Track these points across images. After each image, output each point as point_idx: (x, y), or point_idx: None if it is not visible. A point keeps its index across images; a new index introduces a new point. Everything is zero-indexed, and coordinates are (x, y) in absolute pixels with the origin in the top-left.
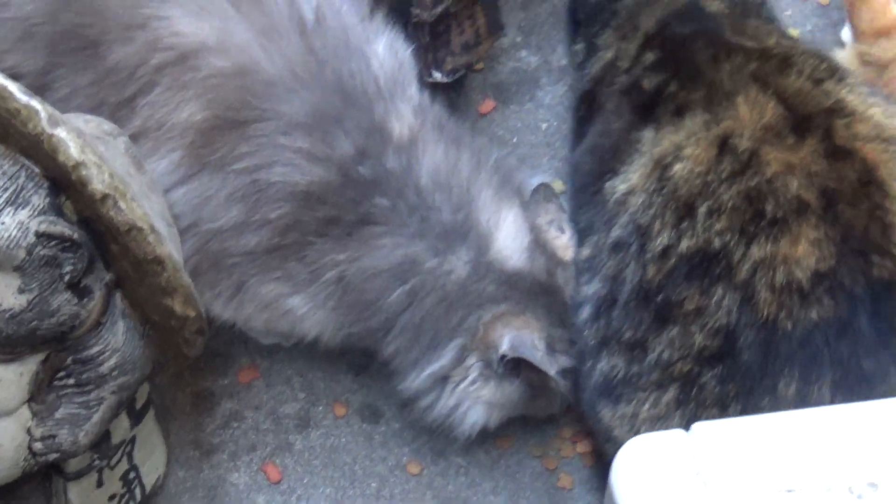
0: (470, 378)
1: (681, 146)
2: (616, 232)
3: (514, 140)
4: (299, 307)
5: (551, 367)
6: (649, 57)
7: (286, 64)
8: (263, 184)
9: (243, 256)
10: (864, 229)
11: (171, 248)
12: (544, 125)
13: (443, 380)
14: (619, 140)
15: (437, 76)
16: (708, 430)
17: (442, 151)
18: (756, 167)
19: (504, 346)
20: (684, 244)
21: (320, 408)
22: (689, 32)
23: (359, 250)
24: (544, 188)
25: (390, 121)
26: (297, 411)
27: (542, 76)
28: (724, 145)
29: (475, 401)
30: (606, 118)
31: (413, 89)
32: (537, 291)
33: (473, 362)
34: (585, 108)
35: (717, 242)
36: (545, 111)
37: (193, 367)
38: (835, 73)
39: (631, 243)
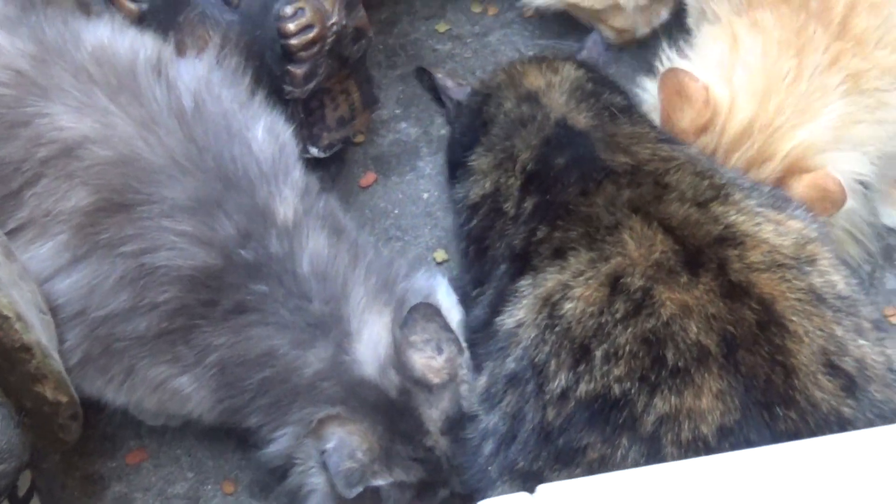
0: (307, 465)
1: (568, 285)
2: (511, 364)
3: (396, 211)
4: (186, 387)
5: (374, 478)
6: (529, 206)
7: (167, 152)
8: (150, 268)
9: (133, 341)
10: (767, 378)
11: (40, 335)
12: (426, 195)
13: (289, 461)
14: (504, 288)
15: (314, 151)
16: (552, 492)
17: (324, 240)
18: (651, 308)
19: (326, 444)
20: (582, 388)
21: (209, 486)
22: (564, 165)
23: (234, 337)
24: (425, 307)
25: (273, 204)
26: (186, 491)
27: (422, 147)
28: (615, 285)
29: (313, 487)
30: (496, 264)
31: (297, 173)
32: (382, 406)
33: (310, 452)
34: (474, 249)
35: (616, 389)
36: (426, 181)
37: (82, 451)
38: (718, 191)
39: (527, 379)
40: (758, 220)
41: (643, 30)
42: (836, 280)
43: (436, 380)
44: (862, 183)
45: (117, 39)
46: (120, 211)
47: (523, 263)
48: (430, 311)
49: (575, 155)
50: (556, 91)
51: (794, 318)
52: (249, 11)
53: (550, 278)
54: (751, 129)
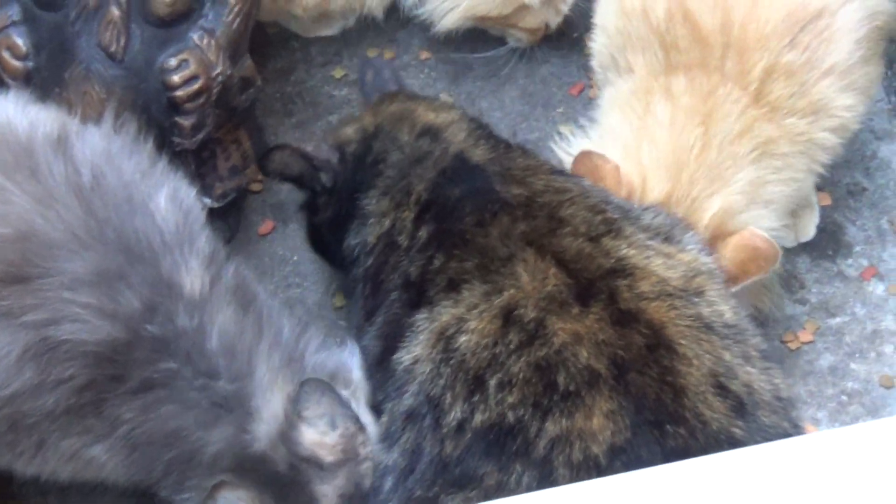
0: None
1: (463, 318)
2: (408, 401)
3: (295, 258)
4: (100, 455)
5: None
6: (423, 235)
7: (66, 227)
8: (53, 342)
9: (42, 417)
10: (657, 397)
11: None
12: None
13: None
14: (400, 322)
15: (208, 202)
16: None
17: (232, 313)
18: (543, 338)
19: None
20: (478, 418)
21: None
22: (459, 196)
23: (142, 414)
24: (318, 382)
25: (180, 275)
26: None
27: None
28: (508, 317)
29: None
30: (390, 300)
31: (202, 240)
32: (271, 479)
33: None
34: (371, 286)
35: (511, 416)
36: None
37: None
38: (610, 226)
39: (424, 414)
40: (648, 253)
41: (556, 20)
42: (723, 310)
43: (329, 457)
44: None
45: (17, 117)
46: (20, 282)
47: (419, 293)
48: (323, 386)
49: (471, 187)
50: (457, 126)
51: (682, 342)
52: (134, 65)
53: (445, 312)
54: (667, 203)
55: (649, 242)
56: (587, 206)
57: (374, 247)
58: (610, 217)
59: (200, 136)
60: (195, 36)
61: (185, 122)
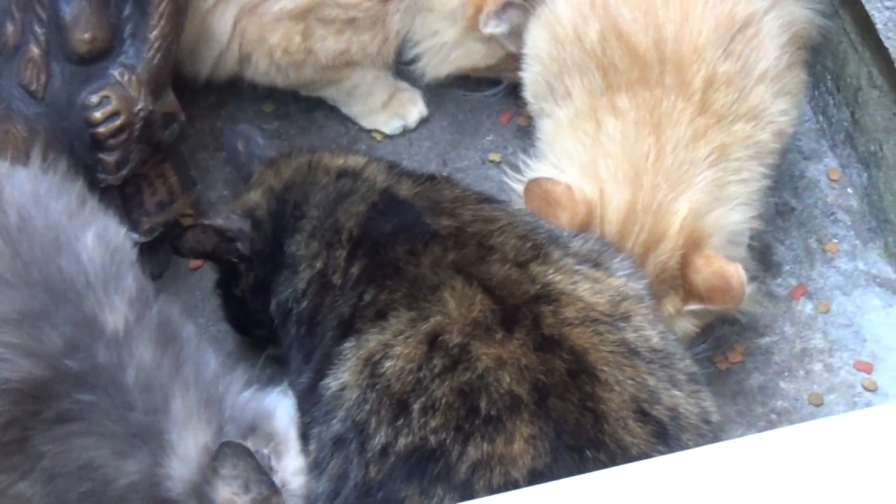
0: None
1: (389, 344)
2: (335, 427)
3: None
4: (27, 491)
5: None
6: (355, 271)
7: None
8: None
9: None
10: (577, 422)
11: None
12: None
13: None
14: (330, 351)
15: (135, 237)
16: None
17: (152, 349)
18: (467, 363)
19: None
20: (401, 442)
21: None
22: (391, 230)
23: (60, 445)
24: (237, 446)
25: (102, 314)
26: None
27: None
28: (434, 342)
29: None
30: (325, 335)
31: (129, 280)
32: None
33: None
34: (305, 328)
35: (433, 440)
36: None
37: None
38: (538, 252)
39: (351, 440)
40: (575, 278)
41: None
42: (650, 335)
43: None
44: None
45: None
46: None
47: (348, 327)
48: (241, 451)
49: (402, 221)
50: (374, 166)
51: (605, 368)
52: (55, 102)
53: (372, 339)
54: (633, 212)
55: (577, 267)
56: (516, 234)
57: (307, 290)
58: (538, 243)
59: (125, 171)
60: (116, 72)
61: (109, 158)
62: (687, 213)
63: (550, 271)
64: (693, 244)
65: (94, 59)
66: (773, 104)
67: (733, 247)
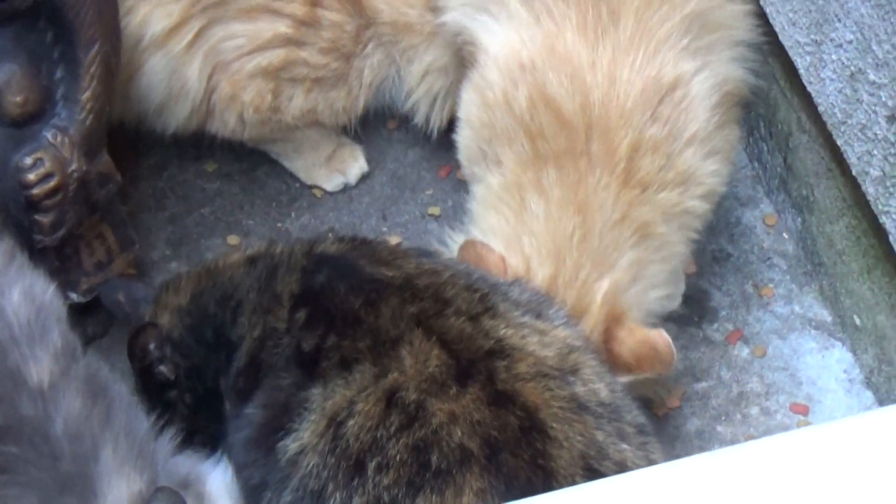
0: None
1: (353, 401)
2: (287, 497)
3: None
4: None
5: None
6: (301, 316)
7: None
8: None
9: None
10: (528, 479)
11: None
12: None
13: None
14: (289, 397)
15: (74, 297)
16: None
17: (80, 402)
18: (423, 419)
19: None
20: (356, 502)
21: None
22: (327, 278)
23: None
24: (169, 492)
25: (26, 367)
26: None
27: None
28: (391, 399)
29: None
30: (276, 375)
31: (55, 334)
32: None
33: None
34: (244, 379)
35: (386, 497)
36: None
37: None
38: (487, 304)
39: None
40: (524, 331)
41: None
42: (598, 388)
43: None
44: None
45: None
46: None
47: (312, 370)
48: (176, 498)
49: (336, 270)
50: (279, 245)
51: (555, 425)
52: None
53: (338, 392)
54: (555, 286)
55: (523, 320)
56: (464, 286)
57: (246, 353)
58: (485, 294)
59: (61, 232)
60: (49, 134)
61: (45, 219)
62: (608, 290)
63: (501, 326)
64: (614, 319)
65: (27, 122)
66: (703, 166)
67: (652, 320)
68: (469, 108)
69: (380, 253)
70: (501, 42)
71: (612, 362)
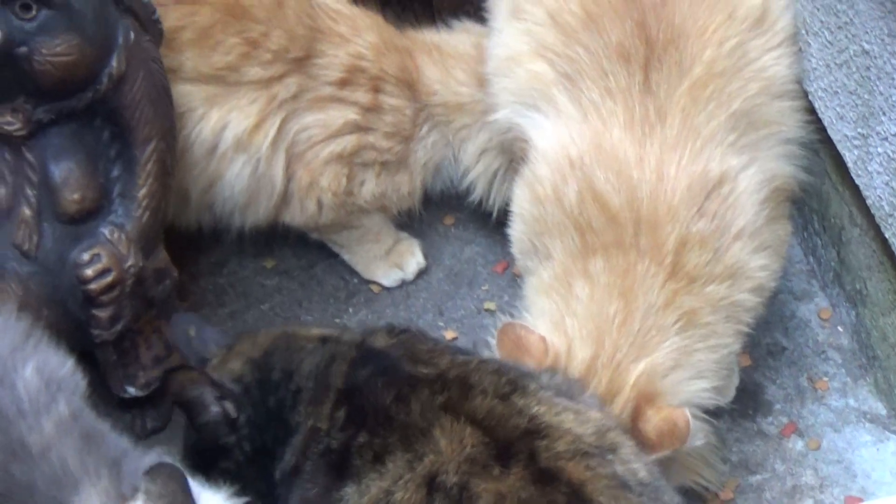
0: None
1: (390, 491)
2: None
3: None
4: None
5: None
6: (341, 415)
7: None
8: None
9: None
10: None
11: None
12: None
13: None
14: (327, 496)
15: (131, 391)
16: None
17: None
18: (469, 501)
19: None
20: None
21: None
22: (368, 375)
23: None
24: (170, 468)
25: (30, 437)
26: None
27: None
28: (432, 484)
29: None
30: (311, 475)
31: (61, 404)
32: None
33: None
34: (293, 469)
35: None
36: None
37: None
38: (516, 385)
39: None
40: (557, 409)
41: None
42: (637, 467)
43: None
44: (706, 409)
45: None
46: None
47: (341, 461)
48: (177, 474)
49: (378, 367)
50: (349, 332)
51: (601, 500)
52: (47, 261)
53: (373, 486)
54: (594, 367)
55: (557, 400)
56: (490, 371)
57: (298, 446)
58: (513, 378)
59: (118, 327)
60: (106, 231)
61: (102, 314)
62: (643, 371)
63: (533, 403)
64: (646, 398)
65: (84, 219)
66: (752, 260)
67: (695, 411)
68: (521, 202)
69: (420, 350)
70: (551, 138)
71: (638, 441)
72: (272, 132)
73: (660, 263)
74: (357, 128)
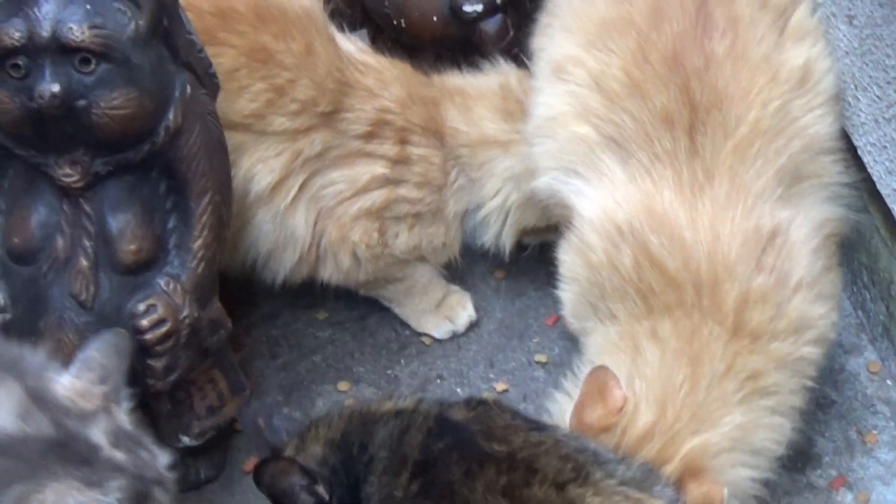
0: None
1: None
2: None
3: None
4: None
5: None
6: (415, 487)
7: None
8: None
9: None
10: None
11: None
12: None
13: None
14: None
15: (186, 440)
16: None
17: None
18: None
19: None
20: None
21: None
22: (444, 447)
23: None
24: (122, 335)
25: None
26: None
27: None
28: None
29: None
30: None
31: None
32: (47, 450)
33: None
34: None
35: None
36: None
37: None
38: (579, 473)
39: None
40: (616, 498)
41: None
42: None
43: (89, 406)
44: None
45: None
46: None
47: None
48: (122, 345)
49: (455, 440)
50: (426, 403)
51: None
52: (103, 311)
53: None
54: (652, 433)
55: (620, 489)
56: (560, 455)
57: None
58: (580, 463)
59: (173, 377)
60: (161, 282)
61: (157, 364)
62: (697, 446)
63: (589, 494)
64: (691, 473)
65: (141, 270)
66: (813, 310)
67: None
68: (573, 268)
69: (496, 425)
70: (595, 204)
71: None
72: (293, 191)
73: (722, 323)
74: (386, 181)
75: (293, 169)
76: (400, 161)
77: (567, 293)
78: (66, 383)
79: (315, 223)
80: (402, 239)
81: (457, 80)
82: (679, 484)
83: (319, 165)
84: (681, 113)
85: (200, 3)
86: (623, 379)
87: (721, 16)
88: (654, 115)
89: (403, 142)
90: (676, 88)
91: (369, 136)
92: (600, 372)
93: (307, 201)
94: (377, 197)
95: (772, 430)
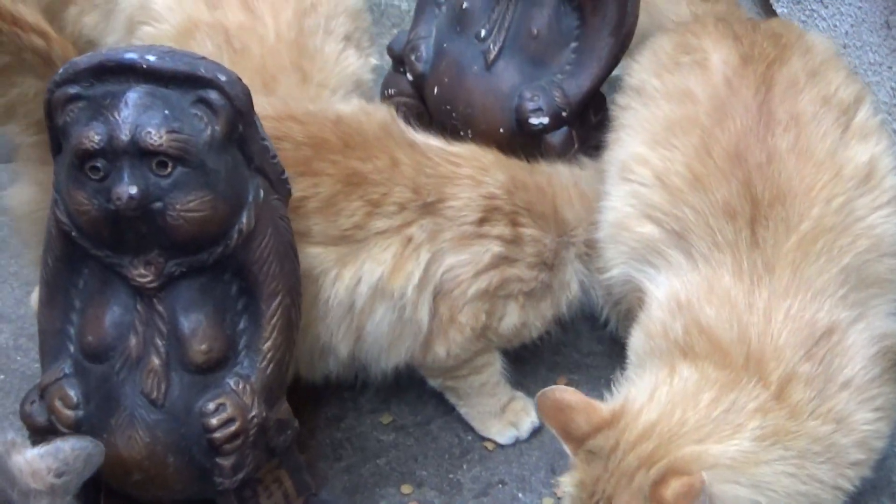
0: None
1: None
2: None
3: None
4: None
5: None
6: None
7: None
8: None
9: None
10: None
11: None
12: None
13: None
14: None
15: None
16: None
17: None
18: None
19: None
20: None
21: None
22: None
23: None
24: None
25: None
26: None
27: None
28: None
29: None
30: None
31: None
32: None
33: None
34: None
35: None
36: None
37: None
38: None
39: None
40: None
41: None
42: None
43: (34, 484)
44: None
45: None
46: None
47: None
48: (98, 458)
49: None
50: None
51: None
52: (174, 410)
53: None
54: (651, 431)
55: None
56: None
57: None
58: None
59: (241, 475)
60: (231, 381)
61: (226, 462)
62: (692, 453)
63: None
64: (675, 472)
65: (211, 369)
66: (858, 413)
67: None
68: (634, 343)
69: None
70: (664, 286)
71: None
72: (417, 273)
73: (766, 387)
74: (503, 260)
75: (408, 254)
76: (514, 241)
77: (629, 370)
78: (28, 457)
79: (434, 307)
80: (512, 318)
81: (563, 169)
82: (660, 479)
83: (435, 248)
84: (742, 206)
85: (295, 134)
86: (649, 388)
87: (784, 112)
88: (716, 208)
89: (515, 224)
90: (738, 182)
91: (481, 222)
92: (543, 395)
93: (433, 289)
94: (494, 276)
95: (783, 476)
